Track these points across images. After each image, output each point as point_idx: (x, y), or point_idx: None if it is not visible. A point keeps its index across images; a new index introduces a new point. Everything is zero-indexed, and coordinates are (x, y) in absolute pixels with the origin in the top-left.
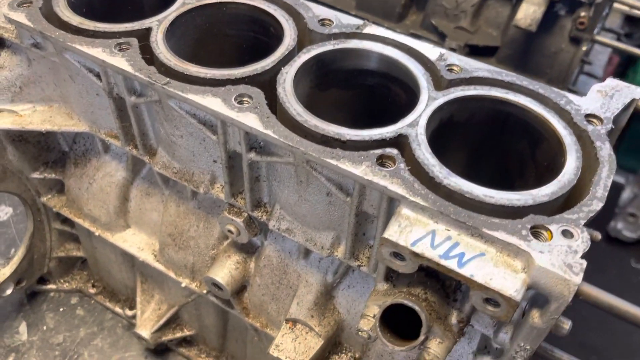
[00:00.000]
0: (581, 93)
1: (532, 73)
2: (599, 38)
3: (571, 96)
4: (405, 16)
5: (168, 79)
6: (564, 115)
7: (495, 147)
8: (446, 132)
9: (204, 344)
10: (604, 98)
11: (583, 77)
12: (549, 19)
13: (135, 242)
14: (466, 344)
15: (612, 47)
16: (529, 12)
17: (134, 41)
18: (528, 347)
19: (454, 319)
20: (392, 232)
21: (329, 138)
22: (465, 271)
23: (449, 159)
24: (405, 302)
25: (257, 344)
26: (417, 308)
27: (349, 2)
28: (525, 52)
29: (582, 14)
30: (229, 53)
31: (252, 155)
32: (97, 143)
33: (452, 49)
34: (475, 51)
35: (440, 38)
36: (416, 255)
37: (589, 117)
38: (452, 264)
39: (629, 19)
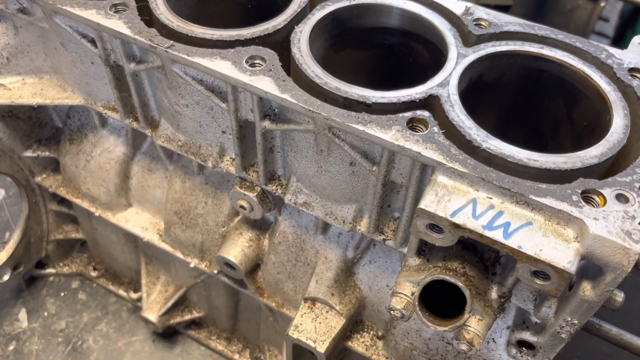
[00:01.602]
0: None
1: None
2: None
3: (612, 49)
4: None
5: (171, 41)
6: (606, 70)
7: (527, 107)
8: (474, 92)
9: (214, 326)
10: None
11: (593, 36)
12: None
13: (139, 221)
14: (499, 318)
15: (631, 2)
16: None
17: (131, 1)
18: (576, 322)
19: (494, 293)
20: (429, 202)
21: (352, 101)
22: (512, 242)
23: (478, 122)
24: (447, 278)
25: (271, 324)
26: (460, 284)
27: None
28: (539, 11)
29: None
30: (232, 14)
31: (267, 124)
32: (94, 117)
33: None
34: None
35: None
36: (457, 226)
37: (632, 71)
38: (497, 235)
39: None
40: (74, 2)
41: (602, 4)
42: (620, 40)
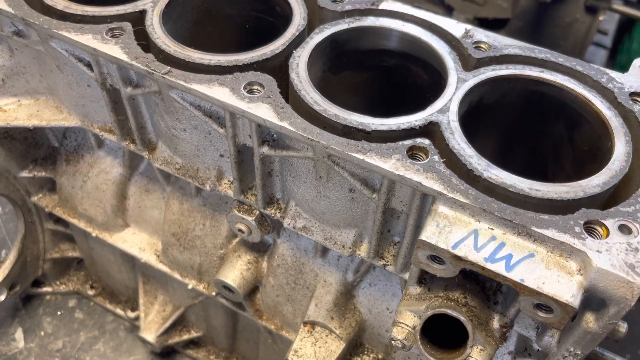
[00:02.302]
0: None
1: (546, 46)
2: (617, 6)
3: (612, 73)
4: None
5: (168, 67)
6: (607, 94)
7: (527, 131)
8: (474, 117)
9: (212, 345)
10: None
11: (591, 47)
12: None
13: (136, 242)
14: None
15: (631, 16)
16: None
17: (128, 26)
18: (579, 352)
19: (495, 323)
20: (430, 234)
21: (351, 129)
22: (515, 275)
23: (477, 146)
24: (449, 311)
25: (270, 345)
26: (462, 318)
27: None
28: (537, 24)
29: None
30: (230, 35)
31: (265, 150)
32: (90, 138)
33: None
34: (484, 24)
35: (447, 11)
36: (458, 258)
37: (634, 95)
38: (499, 268)
39: None
40: (69, 27)
41: (601, 18)
42: (617, 45)
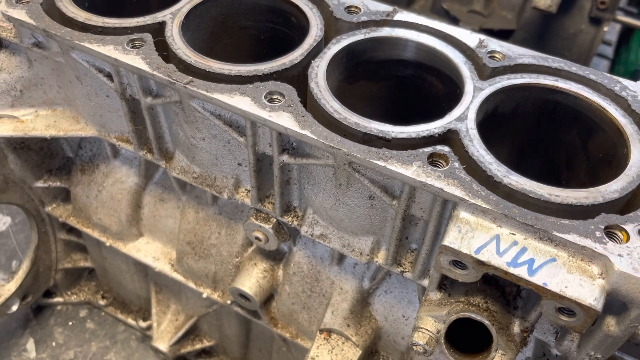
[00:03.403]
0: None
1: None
2: (621, 18)
3: (625, 81)
4: (414, 0)
5: (190, 77)
6: (620, 102)
7: (541, 138)
8: (489, 125)
9: (224, 354)
10: None
11: (595, 58)
12: (567, 0)
13: (150, 251)
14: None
15: (634, 27)
16: None
17: (148, 37)
18: (599, 356)
19: (516, 328)
20: (453, 239)
21: (372, 136)
22: (537, 279)
23: (493, 153)
24: (473, 315)
25: (284, 354)
26: (486, 322)
27: None
28: (542, 35)
29: None
30: (245, 46)
31: (285, 158)
32: (106, 147)
33: None
34: (489, 35)
35: (452, 23)
36: (481, 263)
37: None
38: (522, 272)
39: None
40: (91, 38)
41: (605, 29)
42: (615, 56)
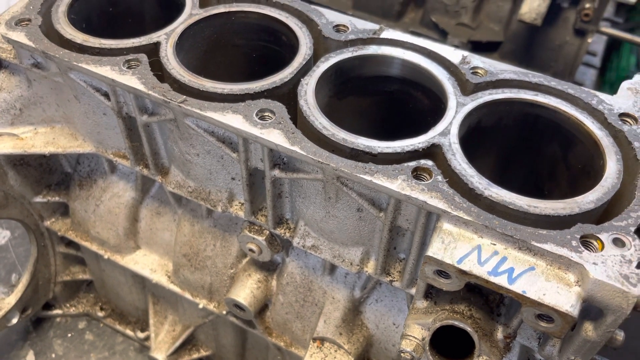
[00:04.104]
0: (582, 84)
1: (537, 67)
2: (604, 29)
3: (602, 95)
4: (404, 14)
5: (184, 96)
6: (597, 115)
7: (524, 151)
8: (474, 138)
9: None
10: (635, 95)
11: (581, 67)
12: (552, 12)
13: (147, 263)
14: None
15: (618, 38)
16: (534, 6)
17: (143, 57)
18: None
19: (499, 334)
20: (436, 250)
21: (358, 152)
22: (517, 287)
23: (477, 166)
24: (457, 323)
25: None
26: (469, 329)
27: (344, 2)
28: (529, 47)
29: (587, 5)
30: (238, 63)
31: (276, 173)
32: (103, 163)
33: (455, 46)
34: (477, 47)
35: (441, 35)
36: (463, 272)
37: (623, 116)
38: (502, 281)
39: (618, 6)
40: (88, 59)
41: (589, 40)
42: (606, 62)
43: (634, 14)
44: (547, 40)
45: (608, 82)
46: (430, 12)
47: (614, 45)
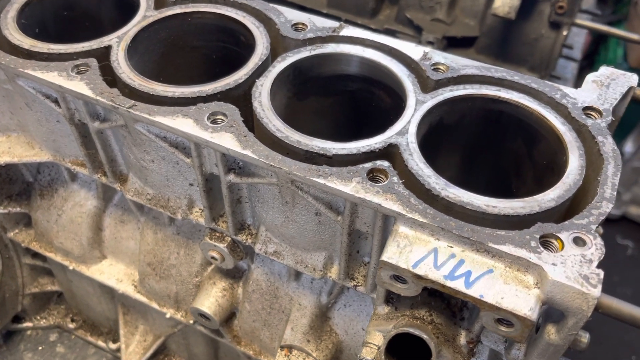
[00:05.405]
0: (562, 77)
1: (513, 62)
2: (580, 21)
3: (566, 89)
4: (379, 11)
5: (133, 101)
6: (561, 109)
7: (489, 148)
8: (436, 136)
9: None
10: (600, 88)
11: (562, 60)
12: (526, 5)
13: (113, 273)
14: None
15: (594, 30)
16: (507, 0)
17: (93, 62)
18: None
19: (462, 339)
20: (391, 254)
21: (313, 154)
22: (474, 292)
23: (442, 164)
24: (412, 330)
25: None
26: (425, 337)
27: (320, 0)
28: (504, 41)
29: None
30: (197, 65)
31: (232, 177)
32: (63, 172)
33: (430, 42)
34: (453, 43)
35: (416, 31)
36: (419, 277)
37: (587, 110)
38: (458, 285)
39: None
40: (35, 65)
41: (565, 33)
42: (594, 55)
43: (621, 6)
44: (523, 34)
45: None
46: (404, 9)
47: (601, 38)
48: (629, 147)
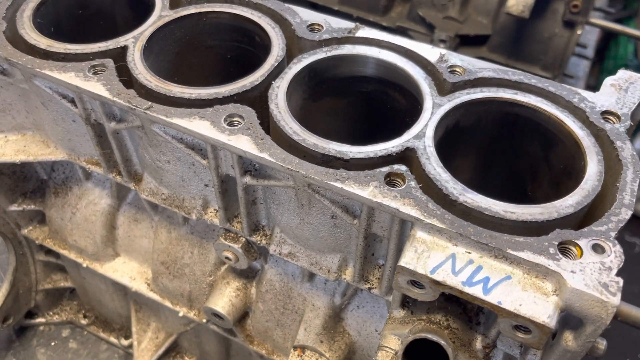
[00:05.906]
0: (574, 76)
1: (526, 60)
2: (594, 20)
3: (584, 92)
4: (391, 8)
5: (150, 103)
6: (579, 114)
7: (505, 151)
8: (452, 139)
9: None
10: (618, 92)
11: (573, 58)
12: (540, 4)
13: (127, 271)
14: None
15: (607, 29)
16: None
17: (110, 62)
18: None
19: (478, 344)
20: (409, 259)
21: (330, 157)
22: (492, 298)
23: (457, 168)
24: (430, 336)
25: None
26: (442, 343)
27: None
28: (517, 39)
29: None
30: (212, 65)
31: (247, 180)
32: (78, 170)
33: (442, 40)
34: (466, 41)
35: (428, 29)
36: (437, 283)
37: (605, 114)
38: (477, 291)
39: None
40: (52, 65)
41: (579, 32)
42: (604, 51)
43: (631, 1)
44: (536, 32)
45: (606, 70)
46: (417, 6)
47: (611, 34)
48: (638, 144)
